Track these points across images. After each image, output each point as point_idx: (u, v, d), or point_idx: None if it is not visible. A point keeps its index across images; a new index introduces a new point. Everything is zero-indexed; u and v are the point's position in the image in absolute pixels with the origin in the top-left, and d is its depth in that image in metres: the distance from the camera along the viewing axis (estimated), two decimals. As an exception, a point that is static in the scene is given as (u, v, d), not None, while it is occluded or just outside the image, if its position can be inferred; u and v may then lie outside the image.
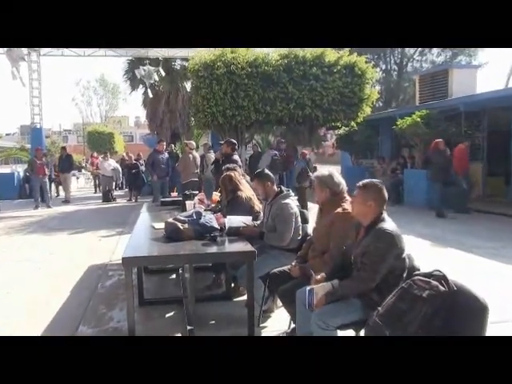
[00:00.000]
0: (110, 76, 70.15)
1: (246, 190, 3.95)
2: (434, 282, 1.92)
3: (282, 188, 3.46)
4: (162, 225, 3.28)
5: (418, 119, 9.52)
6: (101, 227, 7.80)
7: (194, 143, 9.55)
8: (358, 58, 9.21)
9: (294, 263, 2.94)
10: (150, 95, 15.28)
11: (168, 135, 16.05)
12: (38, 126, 14.39)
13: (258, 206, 3.86)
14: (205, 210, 3.88)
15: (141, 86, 16.62)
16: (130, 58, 15.96)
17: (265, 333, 3.16)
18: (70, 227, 7.98)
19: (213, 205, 4.37)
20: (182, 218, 3.14)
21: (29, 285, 4.53)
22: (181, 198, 4.91)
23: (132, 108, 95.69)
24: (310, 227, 3.29)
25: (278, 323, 3.27)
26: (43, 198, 11.15)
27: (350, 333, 2.34)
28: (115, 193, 13.67)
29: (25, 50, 13.21)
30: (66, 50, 13.84)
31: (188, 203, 4.27)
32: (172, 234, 3.03)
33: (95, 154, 18.51)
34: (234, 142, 6.38)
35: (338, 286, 2.32)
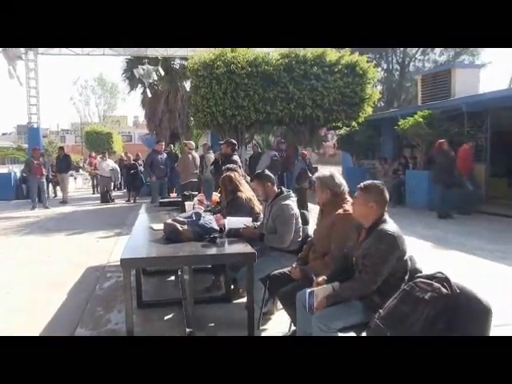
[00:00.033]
0: (109, 75, 69.86)
1: (246, 190, 3.93)
2: (437, 284, 1.90)
3: (283, 189, 3.45)
4: (160, 226, 3.27)
5: (420, 119, 9.46)
6: (99, 228, 7.76)
7: (193, 143, 9.52)
8: (360, 57, 9.18)
9: (294, 265, 2.92)
10: (149, 95, 15.26)
11: (167, 135, 16.04)
12: (36, 126, 14.30)
13: (258, 207, 3.84)
14: (204, 211, 3.87)
15: (139, 85, 16.57)
16: (129, 57, 15.94)
17: (265, 335, 3.13)
18: (67, 228, 7.93)
19: (212, 205, 4.35)
20: (181, 219, 3.13)
21: (25, 286, 4.49)
22: (180, 199, 4.89)
23: (131, 108, 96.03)
24: (311, 228, 3.28)
25: (278, 325, 3.25)
26: (40, 198, 11.09)
27: (351, 335, 2.32)
28: (113, 193, 13.60)
29: (22, 49, 13.15)
30: (64, 49, 13.79)
31: (187, 204, 4.26)
32: (171, 235, 3.02)
33: (93, 154, 18.46)
34: (234, 142, 6.36)
35: (339, 289, 2.31)
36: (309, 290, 2.30)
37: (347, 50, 9.23)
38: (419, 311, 1.87)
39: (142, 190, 13.05)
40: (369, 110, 9.60)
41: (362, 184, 2.38)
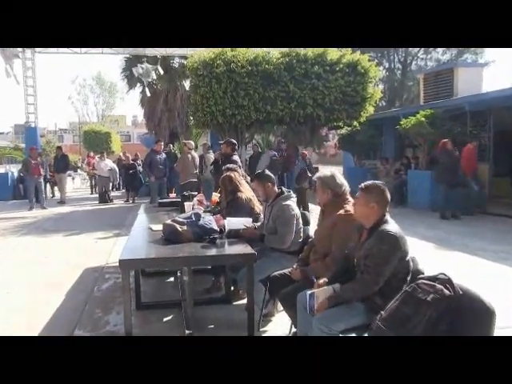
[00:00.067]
0: (107, 74, 69.80)
1: (246, 191, 3.91)
2: (439, 286, 1.89)
3: (283, 189, 3.42)
4: (159, 226, 3.26)
5: (423, 119, 9.41)
6: (97, 229, 7.72)
7: (192, 143, 9.50)
8: (361, 56, 9.15)
9: (295, 266, 2.90)
10: (148, 94, 15.22)
11: (166, 135, 16.00)
12: (33, 125, 14.20)
13: (259, 207, 3.82)
14: (204, 212, 3.85)
15: (138, 84, 16.51)
16: (128, 55, 15.84)
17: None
18: (65, 229, 7.88)
19: (212, 206, 4.32)
20: (181, 220, 3.12)
21: (22, 288, 4.46)
22: (179, 199, 4.87)
23: (129, 107, 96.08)
24: (312, 229, 3.26)
25: (278, 327, 3.24)
26: (38, 198, 11.05)
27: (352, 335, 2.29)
28: (112, 194, 13.57)
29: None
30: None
31: (187, 204, 4.25)
32: (170, 236, 3.00)
33: (91, 154, 18.30)
34: (234, 142, 6.33)
35: (340, 290, 2.30)
36: (309, 292, 2.28)
37: (348, 49, 9.19)
38: (421, 313, 1.86)
39: (140, 190, 13.01)
40: (370, 110, 9.57)
41: (362, 184, 2.37)
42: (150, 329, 3.30)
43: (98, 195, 13.11)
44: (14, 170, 14.63)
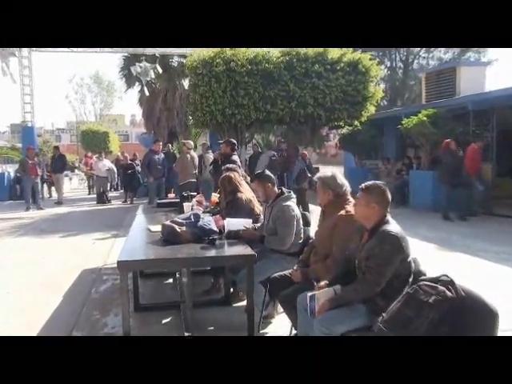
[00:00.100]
0: (105, 73, 69.00)
1: (246, 191, 3.90)
2: (441, 288, 1.88)
3: (283, 189, 3.40)
4: (158, 227, 3.25)
5: (425, 118, 9.33)
6: (95, 230, 7.69)
7: (191, 143, 9.48)
8: (362, 55, 9.12)
9: (295, 267, 2.89)
10: (147, 93, 15.17)
11: (165, 134, 15.95)
12: (30, 125, 14.14)
13: (259, 208, 3.80)
14: (203, 212, 3.82)
15: (137, 83, 16.47)
16: (126, 54, 15.78)
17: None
18: (62, 229, 7.84)
19: (211, 206, 4.30)
20: (180, 221, 3.11)
21: (21, 288, 4.44)
22: (178, 200, 4.85)
23: (128, 106, 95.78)
24: (312, 230, 3.24)
25: (278, 329, 3.22)
26: (35, 199, 10.99)
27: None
28: (110, 194, 13.58)
29: (15, 45, 13.09)
30: (59, 46, 13.74)
31: (186, 205, 4.23)
32: (169, 237, 2.99)
33: (89, 154, 18.30)
34: (234, 141, 6.31)
35: (342, 291, 2.29)
36: (310, 294, 2.27)
37: (349, 48, 9.16)
38: (423, 315, 1.85)
39: (139, 190, 12.94)
40: (371, 109, 9.54)
41: (363, 185, 2.36)
42: (149, 331, 3.28)
43: (95, 196, 13.10)
44: (10, 170, 14.62)
